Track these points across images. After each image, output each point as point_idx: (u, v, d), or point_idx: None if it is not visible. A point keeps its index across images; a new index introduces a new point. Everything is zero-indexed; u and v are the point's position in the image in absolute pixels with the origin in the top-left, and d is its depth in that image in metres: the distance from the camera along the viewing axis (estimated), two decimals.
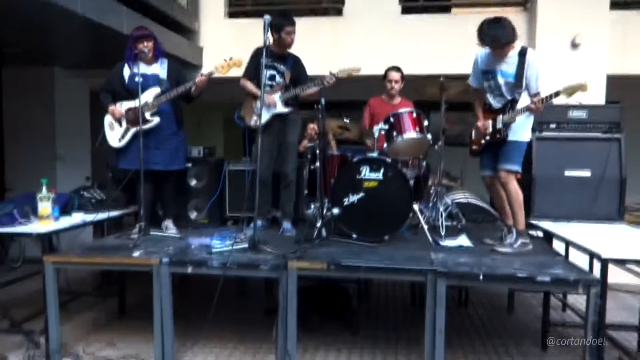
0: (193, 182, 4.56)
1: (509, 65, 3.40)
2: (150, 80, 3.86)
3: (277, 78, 4.13)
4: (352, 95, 5.68)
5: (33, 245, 5.81)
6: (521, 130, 3.47)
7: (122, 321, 4.34)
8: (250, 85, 4.16)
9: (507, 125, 3.43)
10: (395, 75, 4.69)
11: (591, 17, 5.60)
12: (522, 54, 3.34)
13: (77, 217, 3.86)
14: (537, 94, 3.32)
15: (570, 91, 3.10)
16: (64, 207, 3.89)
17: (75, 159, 6.53)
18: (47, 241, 3.48)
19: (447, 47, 5.88)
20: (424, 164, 4.35)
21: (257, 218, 3.50)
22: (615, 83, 5.68)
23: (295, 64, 4.15)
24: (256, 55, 4.08)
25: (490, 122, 3.57)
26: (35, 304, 4.04)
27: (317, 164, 3.88)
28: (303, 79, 4.12)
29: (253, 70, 4.10)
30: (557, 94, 3.15)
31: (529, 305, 4.91)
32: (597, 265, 2.98)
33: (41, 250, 3.43)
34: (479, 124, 3.66)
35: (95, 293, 4.73)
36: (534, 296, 5.09)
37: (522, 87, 3.36)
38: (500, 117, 3.47)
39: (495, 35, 3.28)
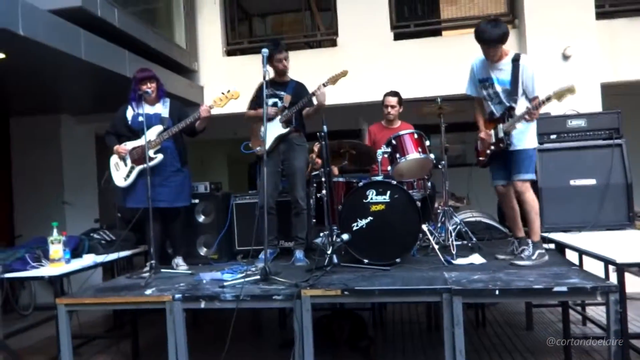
0: (201, 218, 4.58)
1: (504, 72, 3.44)
2: (153, 120, 3.93)
3: (279, 104, 4.18)
4: (349, 125, 5.78)
5: (43, 291, 5.81)
6: (525, 137, 3.47)
7: None
8: (252, 111, 4.26)
9: (507, 133, 3.45)
10: (391, 100, 4.74)
11: (579, 29, 5.72)
12: (516, 59, 3.39)
13: (88, 259, 3.88)
14: (536, 97, 3.34)
15: (560, 94, 3.15)
16: (75, 250, 3.91)
17: (84, 203, 6.59)
18: (59, 284, 3.48)
19: (441, 70, 5.99)
20: (429, 184, 4.36)
21: (266, 248, 3.49)
22: (611, 91, 5.75)
23: (296, 87, 4.21)
24: (259, 88, 4.17)
25: (492, 131, 3.58)
26: (48, 351, 4.02)
27: (324, 191, 3.90)
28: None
29: (255, 102, 4.19)
30: (548, 98, 3.20)
31: (548, 321, 4.83)
32: (612, 274, 2.96)
33: (53, 295, 3.41)
34: (482, 134, 3.66)
35: (108, 336, 4.68)
36: (552, 311, 5.01)
37: (517, 93, 3.39)
38: (500, 126, 3.50)
39: (491, 35, 3.32)
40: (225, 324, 3.14)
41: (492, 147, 3.59)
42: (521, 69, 3.37)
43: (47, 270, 3.53)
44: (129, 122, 3.98)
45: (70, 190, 6.44)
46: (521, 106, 3.42)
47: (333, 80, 3.95)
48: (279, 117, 4.11)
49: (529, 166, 3.48)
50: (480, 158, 3.74)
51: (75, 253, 3.96)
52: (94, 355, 4.28)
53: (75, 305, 3.38)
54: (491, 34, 3.32)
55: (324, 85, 3.95)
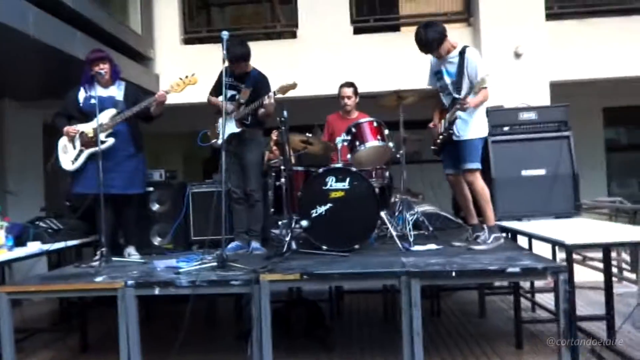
0: (155, 207, 4.44)
1: (452, 64, 3.56)
2: (106, 103, 3.79)
3: (237, 97, 4.12)
4: (313, 118, 5.76)
5: None
6: (470, 127, 3.56)
7: (84, 358, 4.07)
8: (213, 99, 4.19)
9: (451, 122, 3.55)
10: (347, 91, 4.74)
11: (530, 28, 5.97)
12: (462, 52, 3.50)
13: (34, 247, 3.67)
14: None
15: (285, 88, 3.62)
16: (19, 238, 3.70)
17: (29, 191, 6.24)
18: (0, 273, 3.28)
19: (399, 64, 6.08)
20: (387, 174, 4.40)
21: (225, 237, 3.43)
22: (558, 90, 6.01)
23: (256, 81, 4.14)
24: (220, 75, 4.08)
25: (442, 122, 3.69)
26: None
27: (282, 180, 3.87)
28: (263, 95, 4.12)
29: (216, 89, 4.11)
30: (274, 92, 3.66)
31: (500, 309, 4.97)
32: (559, 261, 3.08)
33: None
34: (431, 124, 3.79)
35: (54, 329, 4.45)
36: (504, 300, 5.17)
37: (462, 84, 3.49)
38: (447, 116, 3.61)
39: (426, 42, 3.49)
40: (179, 318, 3.05)
41: (441, 137, 3.69)
42: (466, 61, 3.48)
43: None
44: (80, 105, 3.82)
45: (14, 178, 6.11)
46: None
47: (282, 90, 3.91)
48: (234, 114, 4.04)
49: (474, 156, 3.57)
50: (432, 147, 3.83)
51: (19, 241, 3.74)
52: (38, 350, 4.06)
53: (18, 294, 3.19)
54: (427, 44, 3.50)
55: (274, 93, 3.91)
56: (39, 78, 5.46)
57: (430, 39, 3.48)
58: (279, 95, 3.92)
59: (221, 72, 4.03)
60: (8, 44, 4.00)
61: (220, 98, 3.86)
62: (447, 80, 3.59)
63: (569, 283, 2.84)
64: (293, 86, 3.91)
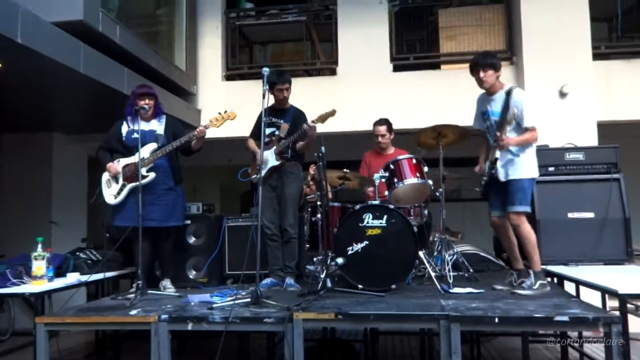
0: (192, 240, 4.46)
1: (497, 103, 3.50)
2: (147, 137, 3.86)
3: (277, 133, 4.16)
4: (350, 155, 5.75)
5: (24, 317, 5.59)
6: (518, 168, 3.46)
7: None
8: (251, 144, 4.24)
9: (492, 163, 3.46)
10: (380, 129, 4.70)
11: (575, 68, 5.82)
12: (509, 92, 3.43)
13: (72, 278, 3.73)
14: (527, 129, 3.39)
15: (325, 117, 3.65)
16: (59, 268, 3.77)
17: (72, 223, 6.45)
18: (40, 303, 3.33)
19: (438, 101, 6.05)
20: (426, 212, 4.30)
21: (259, 272, 3.37)
22: (606, 131, 5.79)
23: (294, 116, 4.19)
24: (259, 117, 4.16)
25: (488, 162, 3.59)
26: None
27: (319, 215, 3.82)
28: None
29: (256, 130, 4.15)
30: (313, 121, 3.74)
31: (544, 358, 4.70)
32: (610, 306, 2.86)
33: (32, 320, 3.19)
34: (476, 168, 3.72)
35: None
36: (549, 348, 4.88)
37: (504, 123, 3.39)
38: (489, 157, 3.52)
39: (478, 59, 3.52)
40: (211, 353, 2.99)
41: (485, 178, 3.60)
42: (512, 101, 3.40)
43: (28, 287, 3.39)
44: (123, 138, 3.92)
45: (58, 209, 6.31)
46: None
47: (322, 119, 3.94)
48: (274, 148, 4.07)
49: (522, 198, 3.43)
50: (477, 189, 3.74)
51: (59, 272, 3.82)
52: None
53: (55, 325, 3.22)
54: (476, 58, 3.52)
55: (313, 122, 3.94)
56: (86, 112, 5.68)
57: (484, 59, 3.49)
58: (319, 124, 3.93)
59: (260, 114, 4.10)
60: (59, 80, 4.19)
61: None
62: (492, 120, 3.53)
63: (623, 335, 2.63)
64: (332, 113, 3.92)
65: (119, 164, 3.88)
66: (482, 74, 3.49)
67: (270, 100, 4.01)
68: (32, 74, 4.02)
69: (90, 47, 4.13)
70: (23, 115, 5.50)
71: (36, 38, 3.52)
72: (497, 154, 3.42)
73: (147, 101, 3.88)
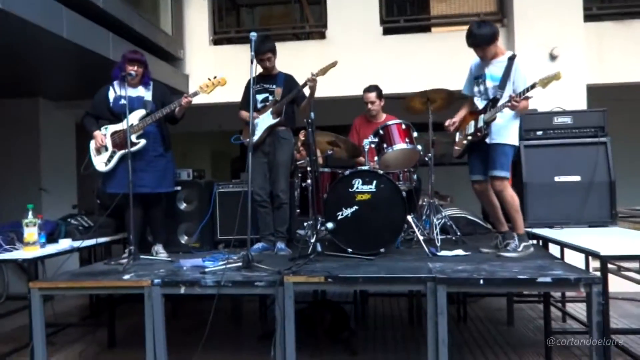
0: (183, 206, 4.48)
1: (497, 68, 3.47)
2: (135, 103, 3.83)
3: (270, 98, 4.13)
4: (340, 119, 5.73)
5: (17, 281, 5.64)
6: (505, 132, 3.47)
7: (112, 353, 4.15)
8: (244, 113, 4.20)
9: (487, 123, 3.46)
10: (370, 96, 4.67)
11: (566, 30, 5.78)
12: (512, 58, 3.42)
13: (65, 243, 3.76)
14: (527, 97, 3.35)
15: (546, 81, 3.19)
16: (51, 235, 3.79)
17: (61, 189, 6.43)
18: (34, 269, 3.36)
19: (429, 65, 6.00)
20: (415, 177, 4.33)
21: (250, 237, 3.42)
22: (596, 93, 5.81)
23: (286, 80, 4.16)
24: (247, 85, 4.12)
25: (472, 122, 3.60)
26: (20, 339, 3.89)
27: (309, 181, 3.85)
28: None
29: (246, 100, 4.10)
30: (533, 86, 3.23)
31: (529, 317, 4.85)
32: (592, 271, 2.95)
33: (26, 284, 3.25)
34: (447, 122, 3.72)
35: (83, 324, 4.56)
36: (532, 308, 5.04)
37: (504, 87, 3.40)
38: (481, 116, 3.51)
39: (477, 39, 3.42)
40: (204, 316, 3.07)
41: (470, 138, 3.60)
42: (514, 68, 3.39)
43: (21, 253, 3.42)
44: (111, 104, 3.87)
45: (47, 176, 6.28)
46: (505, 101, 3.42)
47: (323, 71, 3.90)
48: (270, 109, 4.05)
49: (504, 163, 3.45)
50: (456, 148, 3.77)
51: (51, 238, 3.84)
52: (68, 343, 4.16)
53: (49, 290, 3.26)
54: (476, 37, 3.43)
55: (314, 74, 3.90)
56: (72, 78, 5.57)
57: (481, 33, 3.41)
58: (320, 77, 3.89)
59: (248, 82, 4.05)
60: (42, 45, 4.10)
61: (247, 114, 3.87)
62: (489, 84, 3.51)
63: (603, 295, 2.73)
64: (333, 64, 3.87)
65: (107, 131, 3.85)
66: (486, 51, 3.45)
67: (258, 67, 3.96)
68: (13, 40, 3.92)
69: (73, 11, 4.02)
70: (7, 82, 5.39)
71: (17, 2, 3.41)
72: (497, 115, 3.41)
73: (135, 68, 3.82)
